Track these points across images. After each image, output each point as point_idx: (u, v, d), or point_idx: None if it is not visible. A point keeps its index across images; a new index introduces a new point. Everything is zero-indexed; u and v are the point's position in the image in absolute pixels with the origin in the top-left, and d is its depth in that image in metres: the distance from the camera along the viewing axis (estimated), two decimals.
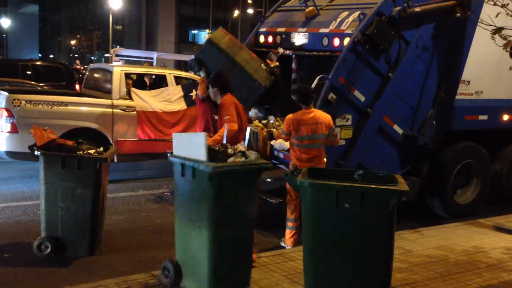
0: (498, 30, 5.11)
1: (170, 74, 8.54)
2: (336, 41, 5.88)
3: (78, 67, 21.91)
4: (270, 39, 6.87)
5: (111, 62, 24.01)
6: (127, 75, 8.02)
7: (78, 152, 4.86)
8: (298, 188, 3.39)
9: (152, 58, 20.51)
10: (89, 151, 4.91)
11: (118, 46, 28.13)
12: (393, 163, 6.01)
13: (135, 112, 7.66)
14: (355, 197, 3.15)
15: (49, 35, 56.06)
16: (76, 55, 49.26)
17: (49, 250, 4.64)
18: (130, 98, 7.75)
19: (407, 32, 5.83)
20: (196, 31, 43.83)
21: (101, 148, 5.06)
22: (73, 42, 49.35)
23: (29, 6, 49.42)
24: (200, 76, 6.28)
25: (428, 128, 6.10)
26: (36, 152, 4.63)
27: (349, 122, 5.60)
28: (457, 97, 6.34)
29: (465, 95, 6.42)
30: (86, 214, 4.69)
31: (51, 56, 55.36)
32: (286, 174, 3.46)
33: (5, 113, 6.95)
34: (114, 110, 7.57)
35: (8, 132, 6.95)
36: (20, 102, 7.01)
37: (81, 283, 3.90)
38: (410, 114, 6.05)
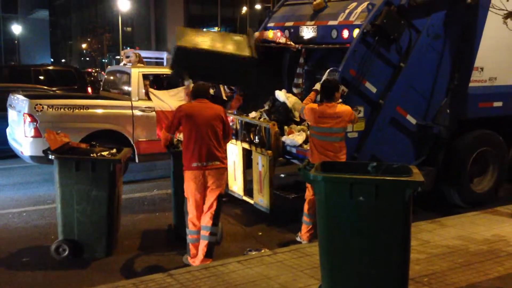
0: (510, 15, 5.01)
1: None
2: (345, 33, 5.82)
3: (90, 70, 22.07)
4: (279, 34, 6.82)
5: (123, 64, 24.21)
6: (145, 76, 8.12)
7: (91, 155, 4.90)
8: (311, 182, 3.37)
9: (162, 58, 20.61)
10: (103, 153, 4.94)
11: (128, 48, 28.26)
12: (407, 153, 5.94)
13: (154, 112, 7.77)
14: (370, 189, 3.11)
15: (60, 40, 56.63)
16: (87, 59, 49.68)
17: (66, 252, 4.69)
18: (149, 99, 7.85)
19: (417, 20, 5.75)
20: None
21: (114, 150, 5.08)
22: (83, 45, 49.76)
23: (39, 12, 49.93)
24: (185, 84, 6.13)
25: (442, 117, 6.02)
26: (50, 156, 4.68)
27: (361, 114, 5.55)
28: (471, 84, 6.24)
29: (479, 82, 6.32)
30: (102, 216, 4.72)
31: (63, 60, 55.92)
32: (299, 169, 3.43)
33: (28, 118, 7.10)
34: (134, 111, 7.69)
35: (32, 136, 7.09)
36: (43, 107, 7.15)
37: (99, 284, 3.92)
38: (423, 103, 5.97)
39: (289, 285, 3.95)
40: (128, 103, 7.71)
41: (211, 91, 4.78)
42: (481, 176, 6.69)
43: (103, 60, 47.39)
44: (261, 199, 5.79)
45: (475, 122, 6.46)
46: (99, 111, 7.53)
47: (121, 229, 5.16)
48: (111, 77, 9.05)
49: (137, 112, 7.68)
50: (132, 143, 7.51)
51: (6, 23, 50.98)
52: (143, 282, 3.98)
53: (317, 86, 5.54)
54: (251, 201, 6.01)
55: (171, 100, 7.91)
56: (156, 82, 8.63)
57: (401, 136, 5.89)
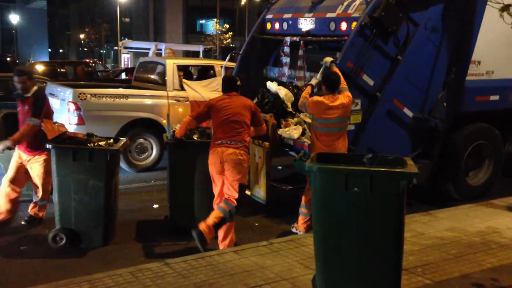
0: (506, 8, 5.01)
1: (217, 64, 8.98)
2: (344, 25, 5.83)
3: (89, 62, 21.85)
4: (277, 25, 6.83)
5: (121, 55, 24.15)
6: (179, 67, 8.44)
7: (88, 144, 4.91)
8: (307, 173, 3.40)
9: (160, 49, 20.53)
10: (100, 143, 4.96)
11: (126, 39, 28.17)
12: (404, 146, 5.98)
13: (188, 102, 8.11)
14: (364, 181, 3.14)
15: (58, 30, 56.30)
16: (85, 49, 49.46)
17: (64, 241, 4.72)
18: (182, 89, 8.17)
19: (415, 13, 5.76)
20: (203, 21, 43.70)
21: (111, 140, 5.10)
22: (81, 36, 49.51)
23: (37, 2, 49.57)
24: None
25: (439, 110, 6.05)
26: (47, 146, 4.70)
27: (358, 107, 5.57)
28: (468, 78, 6.26)
29: (476, 76, 6.34)
30: (99, 205, 4.75)
31: (61, 50, 55.63)
32: (295, 160, 3.46)
33: (72, 106, 7.35)
34: (170, 101, 7.99)
35: (76, 124, 7.33)
36: (86, 96, 7.42)
37: (97, 272, 3.96)
38: (420, 96, 6.00)
39: (284, 274, 4.00)
40: (164, 93, 8.06)
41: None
42: (477, 169, 6.73)
43: (101, 51, 47.18)
44: (258, 191, 5.82)
45: (472, 116, 6.49)
46: (138, 100, 7.85)
47: (118, 219, 5.19)
48: (145, 68, 9.37)
49: (173, 102, 8.00)
50: (168, 131, 7.70)
51: (4, 13, 50.69)
52: (140, 270, 4.02)
53: (313, 81, 5.55)
54: (248, 193, 6.02)
55: (203, 90, 8.27)
56: (189, 73, 8.89)
57: (397, 128, 5.92)
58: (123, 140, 5.16)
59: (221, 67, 8.47)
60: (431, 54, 5.95)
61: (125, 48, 21.82)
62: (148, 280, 3.84)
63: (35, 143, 5.12)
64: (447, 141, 6.30)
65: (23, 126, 5.10)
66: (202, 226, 4.54)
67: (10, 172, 5.25)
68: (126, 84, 9.78)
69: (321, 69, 5.55)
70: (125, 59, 23.56)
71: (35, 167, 5.22)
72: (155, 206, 6.16)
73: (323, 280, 3.33)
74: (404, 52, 5.73)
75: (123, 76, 19.01)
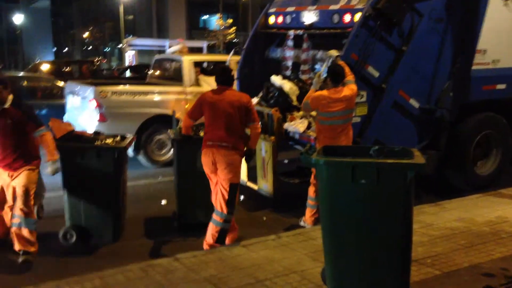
0: None
1: (233, 60, 8.90)
2: (347, 17, 5.81)
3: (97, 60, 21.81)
4: (280, 19, 6.82)
5: (125, 52, 24.14)
6: (195, 64, 8.56)
7: (96, 142, 4.95)
8: (313, 166, 3.40)
9: (164, 46, 20.51)
10: (107, 141, 4.99)
11: (131, 36, 28.14)
12: (410, 137, 5.96)
13: None
14: (371, 173, 3.13)
15: (62, 29, 56.44)
16: (89, 48, 49.52)
17: (74, 238, 4.76)
18: (198, 85, 8.28)
19: (419, 4, 5.73)
20: (206, 17, 43.60)
21: (118, 137, 5.13)
22: (85, 34, 49.57)
23: (41, 1, 49.65)
24: None
25: (445, 101, 6.02)
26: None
27: (364, 99, 5.56)
28: (474, 67, 6.22)
29: (482, 65, 6.29)
30: (108, 202, 4.79)
31: (65, 49, 55.74)
32: (301, 153, 3.46)
33: (94, 104, 7.50)
34: (187, 97, 8.15)
35: (98, 121, 7.49)
36: (107, 94, 7.58)
37: (107, 268, 3.99)
38: (426, 87, 5.97)
39: (293, 268, 4.01)
40: (181, 89, 8.18)
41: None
42: (485, 159, 6.70)
43: (105, 49, 47.21)
44: (265, 185, 5.84)
45: (478, 105, 6.45)
46: (157, 97, 7.99)
47: (127, 215, 5.23)
48: (161, 64, 9.54)
49: (190, 98, 8.08)
50: None
51: (8, 13, 50.83)
52: (151, 266, 4.05)
53: (316, 85, 5.41)
54: (255, 187, 6.06)
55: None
56: (204, 69, 9.07)
57: (404, 120, 5.91)
58: (129, 137, 5.18)
59: (194, 63, 8.49)
60: (436, 44, 5.92)
61: (130, 46, 21.84)
62: (158, 275, 3.87)
63: (22, 158, 4.45)
64: (454, 131, 6.27)
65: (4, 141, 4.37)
66: (206, 247, 4.57)
67: None
68: (142, 81, 9.97)
69: (325, 63, 5.53)
70: (130, 57, 23.56)
71: (19, 177, 4.44)
72: (163, 202, 6.19)
73: (332, 273, 3.34)
74: (409, 42, 5.70)
75: (127, 74, 19.05)
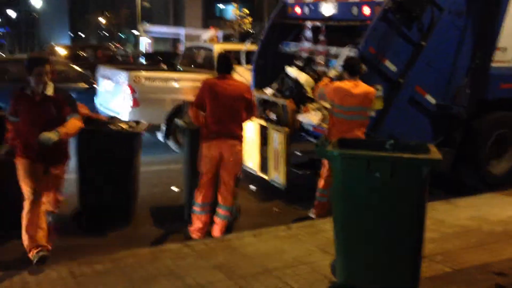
0: None
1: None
2: (366, 10, 5.74)
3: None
4: (298, 10, 6.76)
5: (141, 39, 24.15)
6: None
7: (110, 127, 4.97)
8: (328, 158, 3.39)
9: (180, 34, 20.49)
10: (122, 126, 5.02)
11: (147, 23, 28.17)
12: (425, 134, 5.90)
13: None
14: (386, 166, 3.11)
15: (79, 14, 56.70)
16: (106, 34, 49.73)
17: (85, 221, 4.81)
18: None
19: None
20: (223, 6, 43.47)
21: (133, 123, 5.15)
22: (102, 20, 49.75)
23: None
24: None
25: (462, 98, 5.94)
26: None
27: (380, 93, 5.50)
28: (493, 64, 6.13)
29: (502, 63, 6.19)
30: (121, 187, 4.83)
31: (82, 35, 56.02)
32: (316, 145, 3.45)
33: (128, 89, 7.64)
34: None
35: (131, 106, 7.64)
36: (140, 79, 7.72)
37: (118, 252, 4.03)
38: (443, 83, 5.89)
39: (303, 259, 4.02)
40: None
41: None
42: (499, 158, 6.62)
43: (121, 36, 47.36)
44: (276, 176, 5.84)
45: (496, 104, 6.36)
46: (188, 83, 8.02)
47: (138, 201, 5.27)
48: (191, 52, 9.77)
49: None
50: None
51: None
52: (161, 251, 4.09)
53: (331, 73, 5.46)
54: (267, 178, 6.06)
55: (248, 74, 8.25)
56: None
57: (419, 115, 5.84)
58: (145, 123, 5.20)
59: (241, 52, 8.48)
60: (455, 39, 5.83)
61: (146, 32, 21.88)
62: (168, 260, 3.90)
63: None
64: (470, 129, 6.20)
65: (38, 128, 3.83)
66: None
67: None
68: (173, 68, 10.11)
69: (340, 59, 5.48)
70: (147, 45, 23.59)
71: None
72: (175, 189, 6.23)
73: (343, 265, 3.34)
74: (428, 37, 5.61)
75: (142, 61, 19.10)
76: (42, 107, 3.92)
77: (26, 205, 3.88)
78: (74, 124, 4.03)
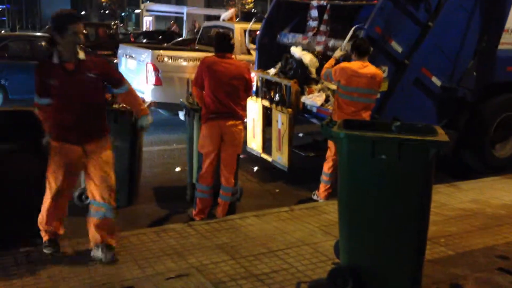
0: None
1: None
2: None
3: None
4: None
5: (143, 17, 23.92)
6: (246, 32, 8.55)
7: (114, 106, 4.93)
8: (333, 139, 3.36)
9: (182, 13, 20.26)
10: (125, 105, 4.96)
11: (148, 1, 27.87)
12: (430, 116, 5.85)
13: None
14: (392, 148, 3.08)
15: None
16: (107, 11, 49.25)
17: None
18: (249, 53, 8.27)
19: None
20: None
21: None
22: None
23: None
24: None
25: (468, 80, 5.89)
26: None
27: (385, 74, 5.44)
28: (500, 47, 6.05)
29: (509, 45, 6.12)
30: (124, 166, 4.80)
31: (83, 13, 55.49)
32: (322, 125, 3.41)
33: (151, 67, 7.73)
34: None
35: (153, 84, 7.75)
36: (163, 58, 7.78)
37: (122, 231, 4.03)
38: (449, 65, 5.83)
39: (306, 240, 4.02)
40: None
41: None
42: (504, 141, 6.59)
43: (122, 14, 46.87)
44: (279, 157, 5.82)
45: (502, 86, 6.31)
46: None
47: (142, 180, 5.26)
48: (210, 32, 9.77)
49: None
50: None
51: None
52: (165, 230, 4.09)
53: (337, 53, 5.38)
54: (269, 159, 6.04)
55: None
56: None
57: (424, 97, 5.79)
58: (147, 102, 5.16)
59: (244, 31, 8.36)
60: (462, 21, 5.75)
61: (147, 11, 21.65)
62: (172, 240, 3.91)
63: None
64: (475, 111, 6.16)
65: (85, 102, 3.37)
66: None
67: None
68: (190, 47, 10.11)
69: (346, 39, 5.38)
70: (147, 23, 23.36)
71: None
72: (177, 169, 6.22)
73: (346, 246, 3.33)
74: (435, 18, 5.54)
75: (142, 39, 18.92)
76: (78, 76, 3.24)
77: (47, 197, 3.51)
78: (138, 97, 3.74)
